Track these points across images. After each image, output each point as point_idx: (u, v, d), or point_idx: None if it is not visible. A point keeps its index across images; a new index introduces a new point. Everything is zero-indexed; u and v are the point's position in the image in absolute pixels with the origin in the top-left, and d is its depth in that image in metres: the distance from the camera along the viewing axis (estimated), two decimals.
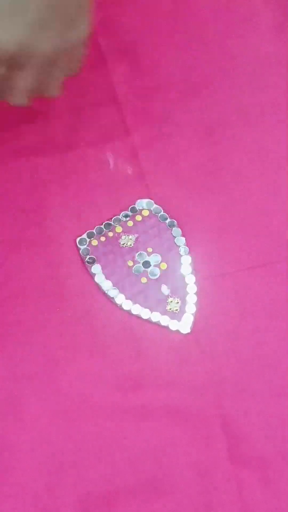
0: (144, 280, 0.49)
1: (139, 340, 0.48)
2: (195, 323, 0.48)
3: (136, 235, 0.51)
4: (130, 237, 0.50)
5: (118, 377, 0.47)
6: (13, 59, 0.38)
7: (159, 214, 0.51)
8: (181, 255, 0.50)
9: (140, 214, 0.51)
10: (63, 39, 0.40)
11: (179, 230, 0.51)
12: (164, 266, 0.50)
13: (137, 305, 0.48)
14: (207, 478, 0.44)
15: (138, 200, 0.51)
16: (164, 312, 0.48)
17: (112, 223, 0.51)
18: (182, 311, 0.48)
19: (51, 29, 0.38)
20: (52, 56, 0.39)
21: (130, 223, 0.51)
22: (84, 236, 0.50)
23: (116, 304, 0.49)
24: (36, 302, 0.48)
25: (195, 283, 0.49)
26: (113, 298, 0.49)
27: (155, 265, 0.50)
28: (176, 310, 0.48)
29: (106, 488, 0.44)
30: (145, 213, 0.51)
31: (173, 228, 0.51)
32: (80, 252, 0.50)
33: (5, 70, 0.39)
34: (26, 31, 0.37)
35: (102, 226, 0.51)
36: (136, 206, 0.51)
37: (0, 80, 0.40)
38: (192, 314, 0.48)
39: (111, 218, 0.51)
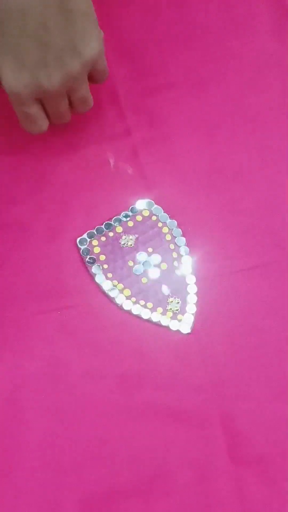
0: (144, 280, 0.49)
1: (139, 340, 0.48)
2: (195, 323, 0.48)
3: (137, 235, 0.51)
4: (130, 237, 0.50)
5: (118, 377, 0.47)
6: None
7: (159, 215, 0.51)
8: (182, 255, 0.50)
9: (141, 214, 0.51)
10: (64, 71, 0.42)
11: (180, 230, 0.51)
12: (164, 266, 0.50)
13: (138, 305, 0.48)
14: (207, 478, 0.44)
15: (139, 200, 0.51)
16: (165, 312, 0.48)
17: (113, 223, 0.51)
18: (182, 311, 0.48)
19: (49, 66, 0.41)
20: (60, 89, 0.43)
21: (131, 223, 0.51)
22: (85, 236, 0.50)
23: (116, 304, 0.49)
24: (36, 302, 0.48)
25: (195, 283, 0.49)
26: (113, 298, 0.49)
27: (155, 265, 0.50)
28: (177, 310, 0.48)
29: (107, 488, 0.44)
30: (146, 213, 0.51)
31: (174, 229, 0.51)
32: (81, 252, 0.50)
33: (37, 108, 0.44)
34: (29, 73, 0.41)
35: (103, 226, 0.51)
36: (136, 206, 0.51)
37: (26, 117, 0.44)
38: (193, 314, 0.48)
39: (112, 218, 0.51)
